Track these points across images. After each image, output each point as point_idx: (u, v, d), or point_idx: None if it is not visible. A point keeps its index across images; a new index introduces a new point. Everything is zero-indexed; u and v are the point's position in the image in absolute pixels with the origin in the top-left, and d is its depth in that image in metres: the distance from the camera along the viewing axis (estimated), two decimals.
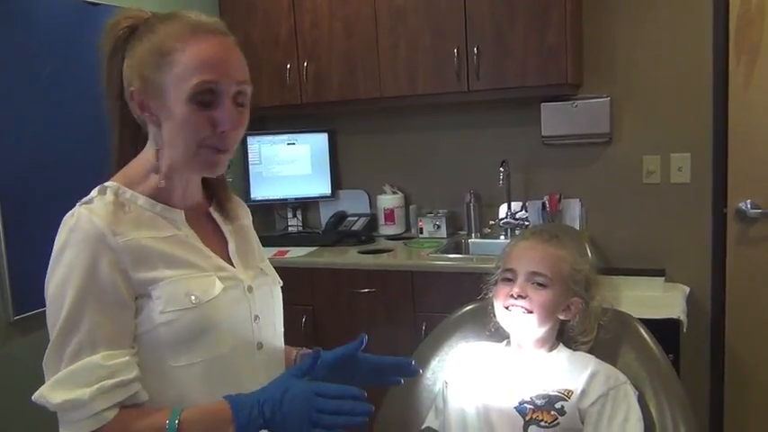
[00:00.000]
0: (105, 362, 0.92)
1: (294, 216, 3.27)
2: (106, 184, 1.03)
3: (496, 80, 2.60)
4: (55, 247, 0.97)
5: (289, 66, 2.89)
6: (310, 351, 1.12)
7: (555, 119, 2.75)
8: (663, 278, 2.59)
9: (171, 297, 0.98)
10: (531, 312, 1.38)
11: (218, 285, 1.04)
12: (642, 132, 2.70)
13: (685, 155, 2.64)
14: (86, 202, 0.99)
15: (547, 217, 2.80)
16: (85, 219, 0.96)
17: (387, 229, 3.07)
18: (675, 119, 2.64)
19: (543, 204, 2.81)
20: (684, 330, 2.28)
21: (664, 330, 1.95)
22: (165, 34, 0.99)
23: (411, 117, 3.09)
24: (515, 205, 2.85)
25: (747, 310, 2.61)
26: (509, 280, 1.43)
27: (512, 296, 1.39)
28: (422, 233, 2.97)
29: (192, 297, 1.00)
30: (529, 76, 2.55)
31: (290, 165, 3.14)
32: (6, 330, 2.10)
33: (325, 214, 3.23)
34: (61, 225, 0.98)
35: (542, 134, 2.78)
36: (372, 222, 3.10)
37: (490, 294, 1.51)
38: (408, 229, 3.11)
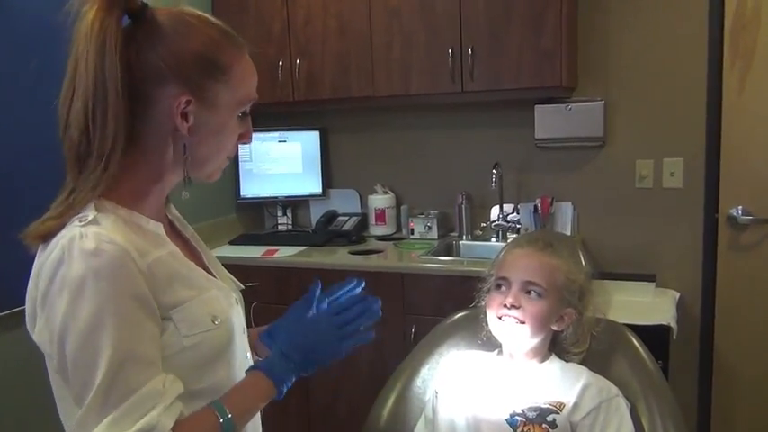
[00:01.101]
0: (158, 385, 0.86)
1: (284, 215, 3.24)
2: (100, 199, 0.92)
3: (491, 81, 2.58)
4: (63, 278, 0.84)
5: (281, 63, 2.85)
6: (263, 329, 1.11)
7: (548, 121, 2.73)
8: (653, 283, 2.59)
9: (195, 320, 0.94)
10: (523, 323, 1.36)
11: (229, 302, 1.02)
12: (635, 137, 2.69)
13: (678, 160, 2.63)
14: (90, 222, 0.87)
15: (539, 220, 2.79)
16: (105, 240, 0.85)
17: (377, 230, 3.04)
18: (669, 124, 2.63)
19: (535, 207, 2.80)
20: (674, 337, 2.27)
21: (654, 337, 1.95)
22: (217, 42, 0.95)
23: (404, 117, 3.06)
24: (507, 207, 2.84)
25: (737, 317, 2.61)
26: (502, 288, 1.41)
27: (505, 306, 1.37)
28: (413, 234, 2.95)
29: (216, 319, 0.97)
30: (523, 77, 2.53)
31: (280, 163, 3.11)
32: None
33: (316, 213, 3.20)
34: (63, 251, 0.85)
35: (535, 137, 2.76)
36: (363, 222, 3.07)
37: (483, 302, 1.49)
38: (399, 229, 3.09)
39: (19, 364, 2.15)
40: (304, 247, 2.85)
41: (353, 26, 2.75)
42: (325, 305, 1.04)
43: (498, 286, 1.42)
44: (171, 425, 0.85)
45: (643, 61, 2.63)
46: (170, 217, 1.09)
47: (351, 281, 1.08)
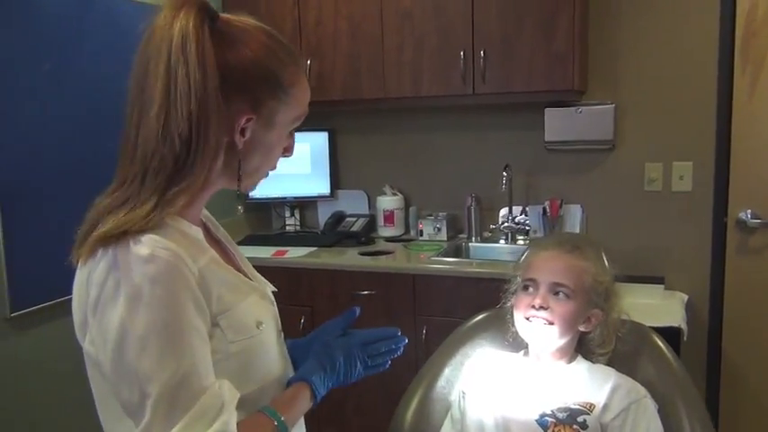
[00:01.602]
0: (220, 391, 0.86)
1: (292, 215, 3.24)
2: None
3: (502, 84, 2.59)
4: (117, 284, 0.83)
5: None
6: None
7: (558, 124, 2.75)
8: (662, 286, 2.60)
9: (241, 325, 0.94)
10: (552, 324, 1.37)
11: (267, 305, 1.03)
12: (645, 140, 2.70)
13: (687, 163, 2.65)
14: (145, 229, 0.86)
15: (547, 222, 2.80)
16: (160, 246, 0.84)
17: (386, 231, 3.05)
18: (678, 127, 2.64)
19: (544, 209, 2.81)
20: (685, 339, 2.29)
21: (665, 338, 1.96)
22: (282, 61, 0.94)
23: (413, 118, 3.07)
24: (516, 210, 2.85)
25: (745, 320, 2.63)
26: (530, 290, 1.41)
27: (533, 307, 1.37)
28: (422, 235, 2.96)
29: (261, 324, 0.97)
30: (535, 80, 2.54)
31: (289, 163, 3.06)
32: (3, 327, 2.05)
33: (324, 214, 3.21)
34: (116, 257, 0.84)
35: (545, 139, 2.78)
36: (371, 223, 3.08)
37: (509, 303, 1.49)
38: (407, 230, 3.09)
39: (35, 362, 2.15)
40: (313, 248, 2.85)
41: (365, 28, 2.75)
42: (361, 332, 1.11)
43: (526, 288, 1.42)
44: (234, 429, 0.85)
45: (653, 65, 2.65)
46: (203, 219, 1.08)
47: (395, 332, 1.12)
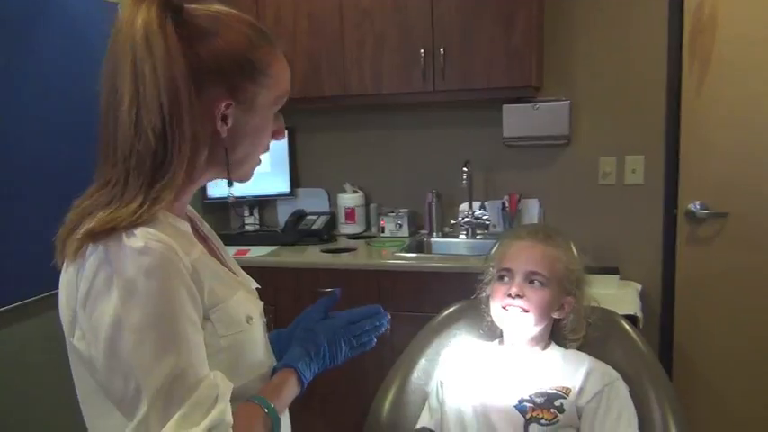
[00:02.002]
0: (215, 381, 0.86)
1: (251, 214, 3.21)
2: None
3: (462, 81, 2.63)
4: (109, 278, 0.82)
5: None
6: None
7: (516, 120, 2.80)
8: (617, 276, 2.68)
9: (232, 320, 0.94)
10: (528, 311, 1.40)
11: (255, 300, 1.03)
12: (599, 135, 2.79)
13: (639, 157, 2.75)
14: (137, 222, 0.85)
15: (507, 217, 2.86)
16: (153, 238, 0.83)
17: (347, 228, 3.06)
18: (630, 122, 2.74)
19: (503, 204, 2.87)
20: (641, 326, 2.37)
21: None
22: (254, 43, 0.92)
23: (373, 115, 3.08)
24: (476, 205, 2.90)
25: (696, 307, 2.75)
26: (506, 279, 1.44)
27: (509, 296, 1.41)
28: (383, 232, 2.98)
29: (250, 318, 0.97)
30: (494, 77, 2.59)
31: None
32: None
33: (284, 213, 3.19)
34: (108, 250, 0.82)
35: (504, 135, 2.83)
36: (332, 221, 3.08)
37: (484, 294, 1.52)
38: (369, 227, 3.11)
39: (20, 356, 2.09)
40: (275, 247, 2.84)
41: (325, 25, 2.75)
42: (344, 313, 1.10)
43: (501, 277, 1.46)
44: (231, 421, 0.85)
45: (606, 62, 2.73)
46: (190, 215, 1.07)
47: (378, 309, 1.13)
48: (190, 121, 0.86)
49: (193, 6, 0.91)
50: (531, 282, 1.41)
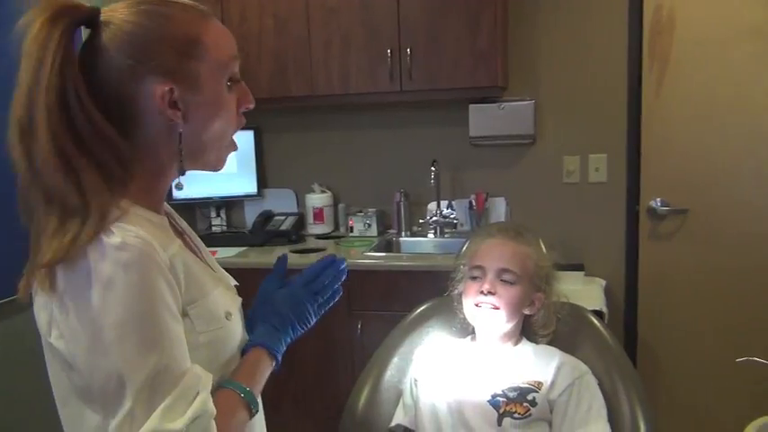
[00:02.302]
0: (197, 371, 0.86)
1: (218, 215, 3.18)
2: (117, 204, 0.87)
3: (429, 81, 2.64)
4: (87, 274, 0.81)
5: None
6: None
7: (482, 120, 2.84)
8: (582, 272, 2.74)
9: (211, 316, 0.93)
10: (499, 309, 1.42)
11: (233, 297, 1.02)
12: (563, 134, 2.84)
13: (602, 156, 2.80)
14: (112, 219, 0.84)
15: (474, 215, 2.89)
16: (131, 234, 0.83)
17: (315, 228, 3.05)
18: (593, 122, 2.80)
19: (470, 203, 2.90)
20: (606, 321, 2.42)
21: None
22: (175, 19, 0.89)
23: (340, 115, 3.09)
24: (444, 204, 2.92)
25: (658, 302, 2.82)
26: (477, 277, 1.46)
27: (482, 293, 1.43)
28: (352, 232, 2.98)
29: (230, 315, 0.97)
30: (460, 77, 2.61)
31: None
32: None
33: (251, 213, 3.17)
34: (87, 251, 0.81)
35: (470, 135, 2.86)
36: (300, 221, 3.07)
37: (456, 291, 1.54)
38: (337, 227, 3.11)
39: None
40: (242, 248, 2.82)
41: (291, 24, 2.74)
42: (299, 276, 1.08)
43: (473, 275, 1.48)
44: (214, 411, 0.85)
45: (569, 63, 2.79)
46: (167, 210, 1.06)
47: (332, 259, 1.09)
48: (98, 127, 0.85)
49: (112, 6, 0.89)
50: (503, 279, 1.44)
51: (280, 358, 1.01)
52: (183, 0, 0.92)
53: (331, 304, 1.08)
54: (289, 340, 1.03)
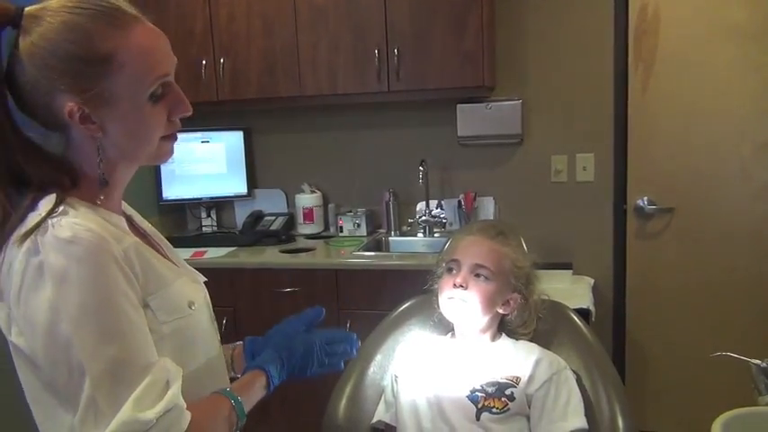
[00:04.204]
0: (165, 364, 0.86)
1: (208, 216, 3.19)
2: (62, 196, 0.89)
3: (416, 81, 2.66)
4: (39, 270, 0.82)
5: (204, 62, 2.82)
6: (240, 343, 1.22)
7: (470, 120, 2.86)
8: (570, 271, 2.76)
9: (173, 306, 0.95)
10: (468, 302, 1.44)
11: (199, 288, 1.03)
12: (550, 134, 2.86)
13: (589, 155, 2.82)
14: (61, 214, 0.85)
15: (463, 215, 2.91)
16: (82, 228, 0.84)
17: (305, 228, 3.07)
18: (580, 121, 2.81)
19: (459, 202, 2.91)
20: (593, 319, 2.44)
21: None
22: (89, 34, 0.85)
23: (329, 116, 3.10)
24: (432, 203, 2.94)
25: (646, 299, 2.84)
26: (453, 271, 1.48)
27: (454, 286, 1.44)
28: (342, 232, 2.99)
29: (193, 304, 0.98)
30: (447, 77, 2.63)
31: (204, 163, 3.06)
32: None
33: (241, 214, 3.18)
34: (36, 243, 0.83)
35: (458, 134, 2.88)
36: (290, 222, 3.08)
37: (435, 287, 1.55)
38: (327, 227, 3.12)
39: None
40: (232, 248, 2.83)
41: (279, 25, 2.76)
42: (324, 332, 1.14)
43: (450, 269, 1.49)
44: (184, 404, 0.86)
45: (556, 63, 2.80)
46: (127, 213, 1.06)
47: (353, 336, 1.15)
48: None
49: (38, 7, 0.88)
50: (477, 275, 1.44)
51: (272, 389, 1.03)
52: (100, 6, 0.88)
53: (327, 372, 1.11)
54: (284, 377, 1.06)
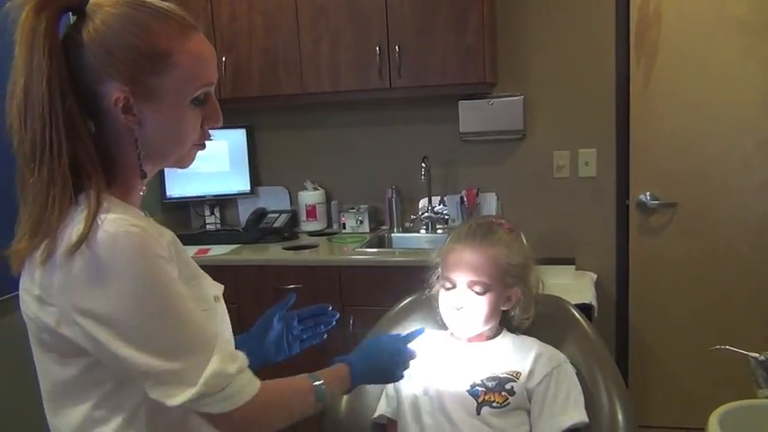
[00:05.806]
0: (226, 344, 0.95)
1: (212, 214, 3.20)
2: (101, 195, 0.90)
3: (417, 78, 2.67)
4: (87, 265, 0.84)
5: None
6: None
7: (472, 116, 2.86)
8: (573, 266, 2.76)
9: (203, 297, 0.98)
10: (472, 320, 1.45)
11: (219, 286, 1.07)
12: (553, 129, 2.86)
13: (592, 150, 2.82)
14: (104, 210, 0.87)
15: (465, 211, 2.91)
16: (127, 223, 0.86)
17: (308, 226, 3.07)
18: (582, 116, 2.81)
19: (461, 198, 2.92)
20: (596, 315, 2.44)
21: None
22: (153, 31, 0.90)
23: (331, 113, 3.11)
24: (435, 200, 2.94)
25: (649, 294, 2.84)
26: (449, 287, 1.47)
27: (456, 308, 1.45)
28: (344, 228, 3.00)
29: (218, 298, 1.03)
30: (448, 73, 2.63)
31: (207, 161, 3.07)
32: None
33: (245, 211, 3.19)
34: (81, 240, 0.84)
35: (460, 131, 2.88)
36: (293, 219, 3.09)
37: (434, 289, 1.55)
38: (330, 224, 3.13)
39: None
40: (236, 246, 2.84)
41: (280, 22, 2.76)
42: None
43: (445, 285, 1.48)
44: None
45: (557, 58, 2.80)
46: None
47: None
48: (62, 122, 0.87)
49: (99, 2, 0.91)
50: (474, 290, 1.43)
51: (353, 386, 1.16)
52: (170, 9, 0.93)
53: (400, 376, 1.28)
54: (365, 382, 1.21)
